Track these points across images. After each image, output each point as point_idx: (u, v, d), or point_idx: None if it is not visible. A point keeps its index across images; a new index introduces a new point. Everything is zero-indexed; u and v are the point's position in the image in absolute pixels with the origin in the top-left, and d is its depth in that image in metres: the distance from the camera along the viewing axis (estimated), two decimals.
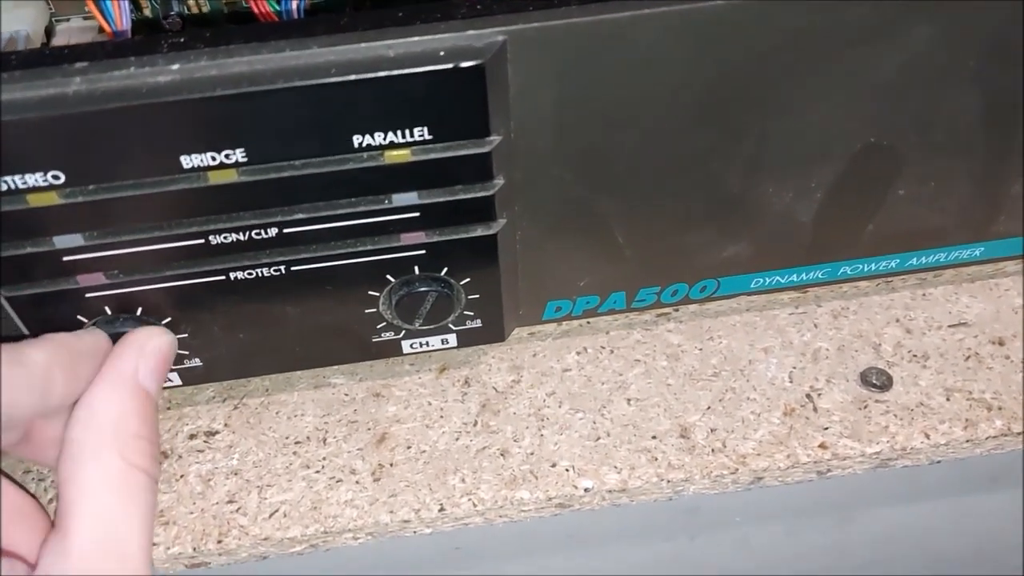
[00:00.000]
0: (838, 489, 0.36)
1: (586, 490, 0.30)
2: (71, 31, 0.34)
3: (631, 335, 0.33)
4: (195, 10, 0.35)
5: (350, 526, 0.29)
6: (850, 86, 0.25)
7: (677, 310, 0.34)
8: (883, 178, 0.28)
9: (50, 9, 0.34)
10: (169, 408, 0.32)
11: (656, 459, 0.30)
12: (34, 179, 0.23)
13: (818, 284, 0.33)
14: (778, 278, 0.32)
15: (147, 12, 0.33)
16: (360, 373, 0.33)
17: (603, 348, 0.33)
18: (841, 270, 0.32)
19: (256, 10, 0.29)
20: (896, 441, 0.30)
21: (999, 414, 0.31)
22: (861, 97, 0.26)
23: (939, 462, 0.31)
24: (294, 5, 0.29)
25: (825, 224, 0.30)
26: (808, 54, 0.24)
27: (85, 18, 0.35)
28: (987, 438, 0.30)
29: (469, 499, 0.29)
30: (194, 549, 0.29)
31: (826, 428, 0.31)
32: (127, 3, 0.27)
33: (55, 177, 0.23)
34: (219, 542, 0.29)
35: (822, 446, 0.30)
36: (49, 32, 0.34)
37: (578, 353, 0.33)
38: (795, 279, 0.32)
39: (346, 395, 0.32)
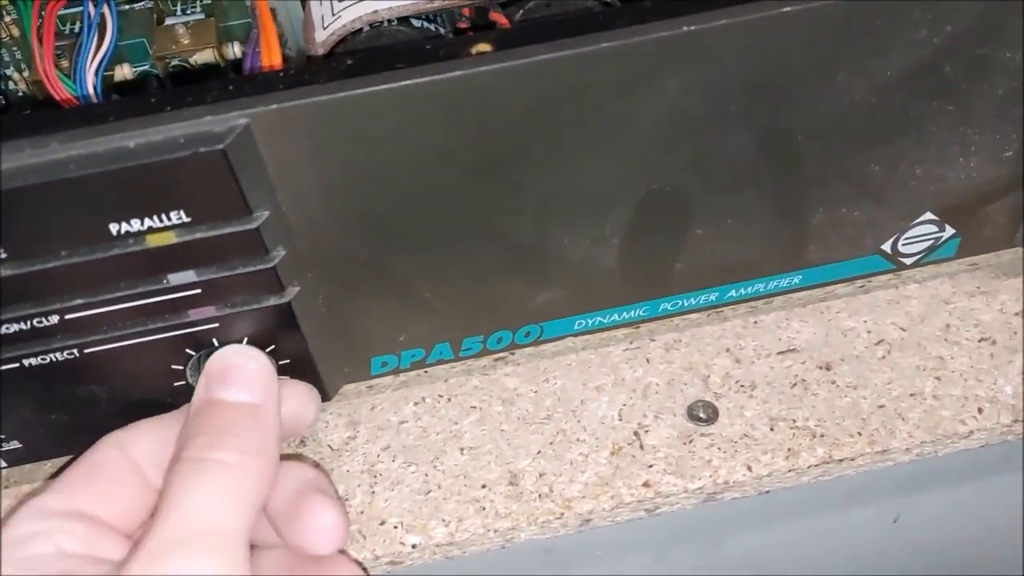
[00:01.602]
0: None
1: (413, 546, 0.30)
2: None
3: (469, 381, 0.34)
4: (23, 86, 0.35)
5: None
6: (615, 138, 0.26)
7: (513, 353, 0.34)
8: (676, 220, 0.29)
9: None
10: (7, 487, 0.32)
11: (484, 509, 0.30)
12: None
13: (644, 320, 0.33)
14: (600, 318, 0.32)
15: None
16: None
17: (441, 396, 0.33)
18: (662, 307, 0.32)
19: (56, 96, 0.29)
20: (719, 475, 0.30)
21: (821, 441, 0.31)
22: (629, 148, 0.26)
23: (767, 492, 0.31)
24: (90, 90, 0.29)
25: (631, 266, 0.30)
26: (564, 112, 0.25)
27: None
28: (809, 467, 0.31)
29: None
30: None
31: (651, 465, 0.31)
32: None
33: None
34: None
35: (646, 484, 0.31)
36: None
37: (416, 403, 0.33)
38: (617, 318, 0.32)
39: None
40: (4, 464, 0.30)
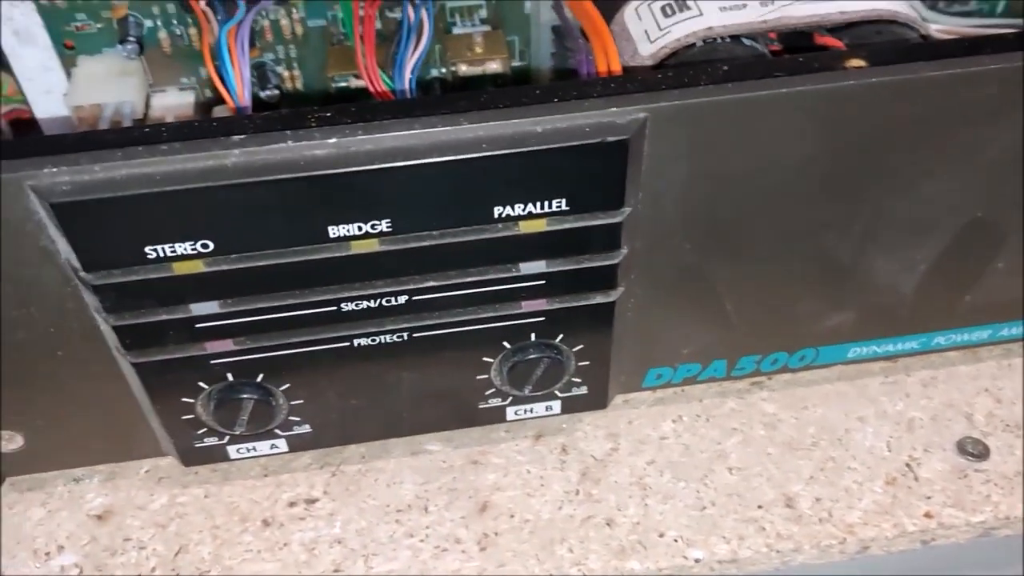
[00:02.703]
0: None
1: (696, 560, 0.30)
2: (167, 104, 0.35)
3: (725, 403, 0.34)
4: (290, 84, 0.36)
5: None
6: (965, 162, 0.26)
7: (770, 379, 0.34)
8: (985, 251, 0.29)
9: (148, 80, 0.35)
10: (266, 475, 0.32)
11: (764, 529, 0.30)
12: (183, 248, 0.23)
13: (911, 355, 0.33)
14: (875, 348, 0.32)
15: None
16: (456, 440, 0.33)
17: (698, 416, 0.33)
18: (935, 340, 0.32)
19: (372, 89, 0.30)
20: (999, 510, 0.30)
21: None
22: (975, 173, 0.26)
23: None
24: (406, 85, 0.30)
25: (925, 295, 0.30)
26: (929, 131, 0.25)
27: (181, 89, 0.36)
28: None
29: (579, 569, 0.29)
30: None
31: (929, 497, 0.31)
32: (249, 79, 0.28)
33: (204, 246, 0.23)
34: None
35: (927, 515, 0.30)
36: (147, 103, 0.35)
37: (674, 421, 0.33)
38: (891, 349, 0.32)
39: (443, 462, 0.32)
40: (285, 448, 0.30)
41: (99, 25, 0.33)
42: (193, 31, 0.33)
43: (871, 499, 0.31)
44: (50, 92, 0.35)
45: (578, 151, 0.23)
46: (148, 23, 0.33)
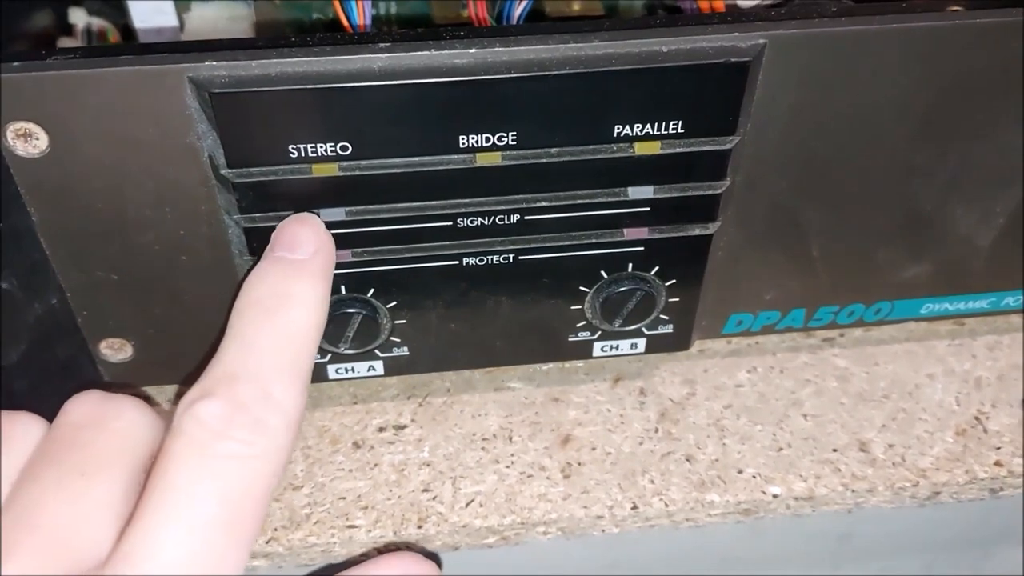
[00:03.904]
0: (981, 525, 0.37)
1: (775, 496, 0.30)
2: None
3: (798, 357, 0.35)
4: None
5: (544, 519, 0.30)
6: None
7: (842, 335, 0.35)
8: None
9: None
10: (355, 403, 0.33)
11: (840, 470, 0.31)
12: (324, 148, 0.25)
13: (980, 314, 0.34)
14: (947, 305, 0.33)
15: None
16: (537, 379, 0.34)
17: (772, 368, 0.35)
18: (1004, 301, 0.34)
19: (474, 18, 0.32)
20: None
21: None
22: None
23: None
24: (516, 13, 0.31)
25: (999, 251, 0.31)
26: (1018, 78, 0.27)
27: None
28: None
29: (660, 499, 0.30)
30: (394, 533, 0.29)
31: (998, 448, 0.32)
32: (369, 10, 0.30)
33: (343, 148, 0.25)
34: (419, 527, 0.30)
35: (997, 463, 0.31)
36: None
37: (748, 371, 0.34)
38: (962, 307, 0.33)
39: (525, 398, 0.33)
40: (381, 371, 0.31)
41: None
42: None
43: (942, 447, 0.32)
44: (161, 32, 0.36)
45: (700, 71, 0.24)
46: None
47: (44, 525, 0.20)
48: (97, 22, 0.40)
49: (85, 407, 0.23)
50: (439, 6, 0.35)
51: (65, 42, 0.39)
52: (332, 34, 0.25)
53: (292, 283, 0.24)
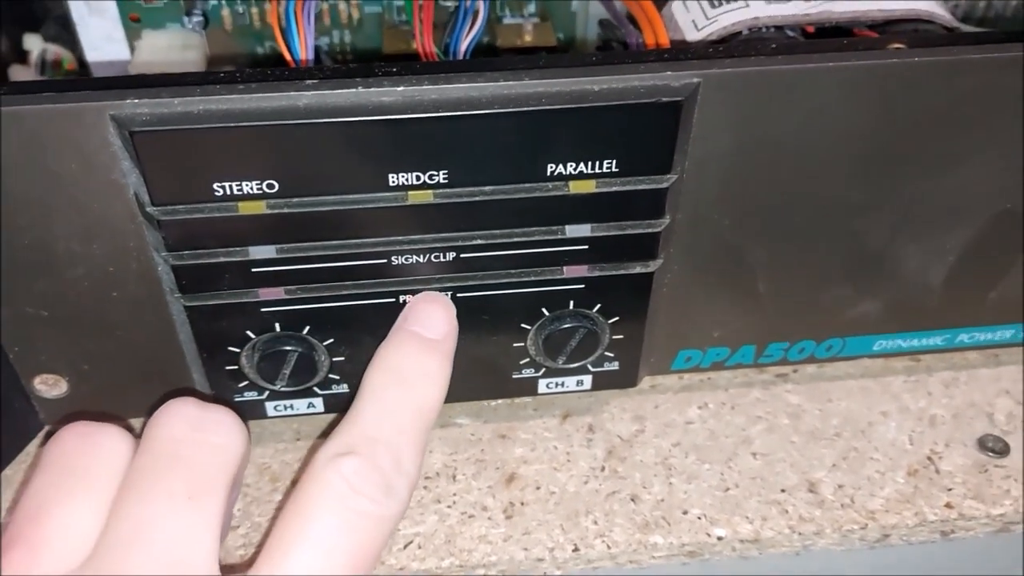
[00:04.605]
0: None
1: (719, 538, 0.30)
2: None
3: (751, 393, 0.34)
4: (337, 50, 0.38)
5: (484, 561, 0.29)
6: (1003, 149, 0.27)
7: (796, 371, 0.35)
8: (1013, 245, 0.30)
9: (208, 56, 0.36)
10: (298, 440, 0.33)
11: (787, 511, 0.31)
12: (250, 186, 0.24)
13: (934, 351, 0.34)
14: (900, 342, 0.33)
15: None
16: (485, 415, 0.34)
17: (724, 404, 0.34)
18: (959, 338, 0.33)
19: (421, 51, 0.31)
20: (1019, 504, 0.31)
21: None
22: (1008, 163, 0.27)
23: None
24: (463, 47, 0.31)
25: (952, 289, 0.31)
26: (970, 112, 0.26)
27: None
28: None
29: (603, 541, 0.30)
30: None
31: (950, 489, 0.31)
32: (313, 46, 0.30)
33: (269, 186, 0.24)
34: None
35: (948, 506, 0.31)
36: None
37: (699, 407, 0.34)
38: (916, 344, 0.33)
39: (472, 435, 0.33)
40: (321, 408, 0.31)
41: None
42: (255, 10, 0.35)
43: (893, 488, 0.31)
44: (112, 64, 0.36)
45: (632, 110, 0.24)
46: (213, 0, 0.35)
47: (158, 541, 0.22)
48: (53, 49, 0.39)
49: (183, 420, 0.24)
50: (390, 38, 0.35)
51: (17, 70, 0.38)
52: (260, 70, 0.24)
53: (428, 361, 0.27)
